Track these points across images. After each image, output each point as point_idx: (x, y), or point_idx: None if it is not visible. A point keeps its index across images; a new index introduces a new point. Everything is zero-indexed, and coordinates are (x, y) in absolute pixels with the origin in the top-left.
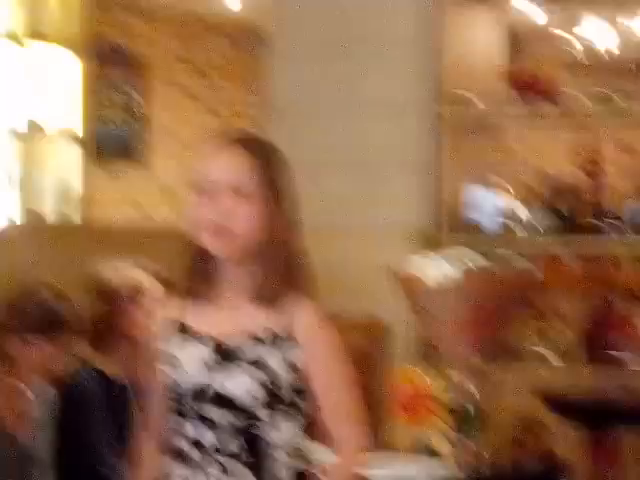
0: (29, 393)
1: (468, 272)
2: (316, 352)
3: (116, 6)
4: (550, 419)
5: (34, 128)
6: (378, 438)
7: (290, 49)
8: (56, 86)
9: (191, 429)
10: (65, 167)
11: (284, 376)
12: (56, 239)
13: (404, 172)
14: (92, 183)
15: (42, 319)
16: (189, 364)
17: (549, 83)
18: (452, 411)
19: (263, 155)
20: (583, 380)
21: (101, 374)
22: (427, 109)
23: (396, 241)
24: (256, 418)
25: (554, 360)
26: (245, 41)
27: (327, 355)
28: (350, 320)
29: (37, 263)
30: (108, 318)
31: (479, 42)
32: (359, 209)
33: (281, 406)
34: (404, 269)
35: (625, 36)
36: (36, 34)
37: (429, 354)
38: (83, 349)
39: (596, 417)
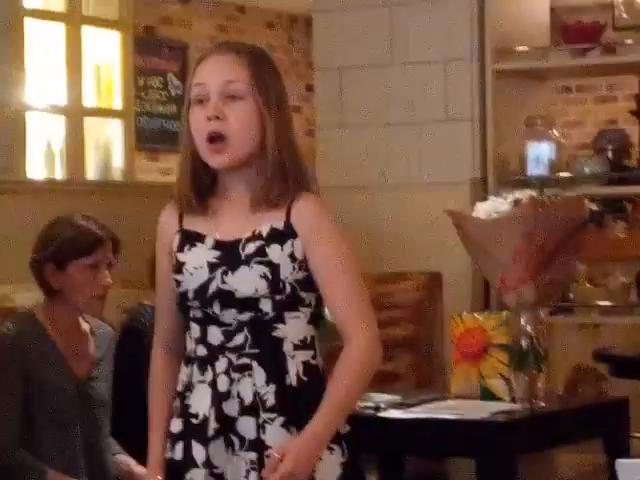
0: (88, 331)
1: (517, 201)
2: (316, 241)
3: None
4: (604, 369)
5: (76, 104)
6: (442, 387)
7: (330, 17)
8: (96, 67)
9: (197, 328)
10: (106, 146)
11: (285, 268)
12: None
13: (454, 126)
14: (131, 164)
15: (74, 240)
16: (193, 266)
17: (595, 30)
18: (510, 351)
19: (252, 57)
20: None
21: None
22: (477, 62)
23: (450, 196)
24: (259, 311)
25: (607, 307)
26: (280, 21)
27: (327, 244)
28: (407, 274)
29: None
30: None
31: (526, 1)
32: (410, 164)
33: (284, 298)
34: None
35: None
36: (76, 15)
37: (486, 297)
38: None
39: None
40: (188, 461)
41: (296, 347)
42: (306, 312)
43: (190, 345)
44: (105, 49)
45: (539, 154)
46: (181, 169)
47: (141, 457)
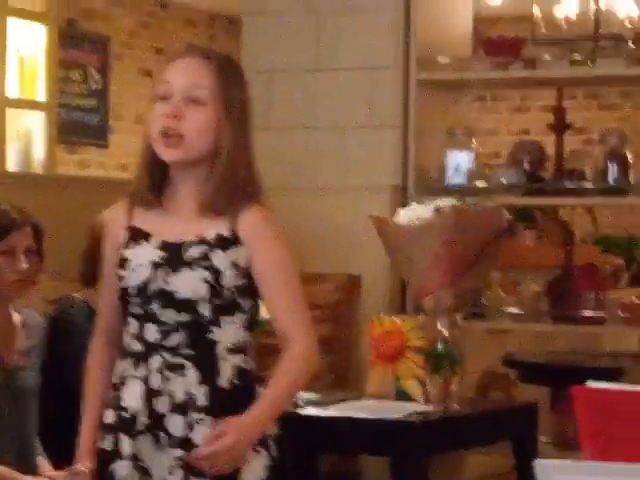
0: (19, 322)
1: (438, 209)
2: (260, 250)
3: None
4: (512, 374)
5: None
6: (358, 387)
7: (258, 13)
8: (20, 58)
9: (135, 325)
10: (27, 137)
11: (228, 275)
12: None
13: (378, 133)
14: (52, 156)
15: None
16: (136, 263)
17: (516, 44)
18: (426, 354)
19: (220, 65)
20: (545, 337)
21: (87, 306)
22: (400, 72)
23: (371, 201)
24: (198, 314)
25: (518, 315)
26: (201, 19)
27: (272, 254)
28: (327, 276)
29: None
30: (94, 258)
31: (449, 13)
32: (333, 169)
33: (223, 303)
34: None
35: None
36: (1, 6)
37: (404, 301)
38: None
39: (556, 377)
40: (115, 453)
41: (230, 351)
42: (242, 318)
43: (126, 339)
44: (30, 41)
45: (458, 163)
46: (139, 163)
47: (62, 449)
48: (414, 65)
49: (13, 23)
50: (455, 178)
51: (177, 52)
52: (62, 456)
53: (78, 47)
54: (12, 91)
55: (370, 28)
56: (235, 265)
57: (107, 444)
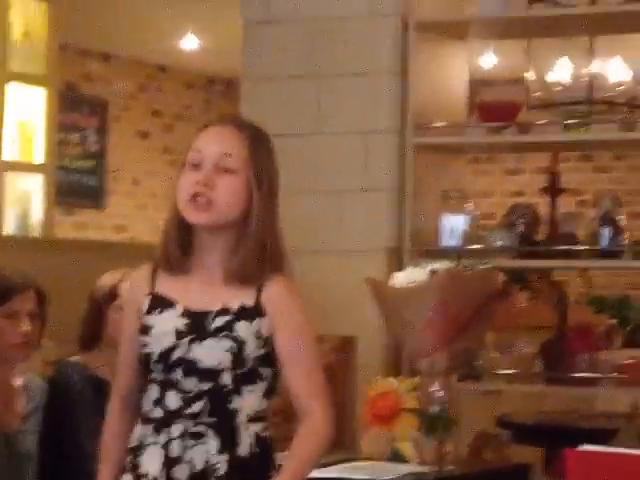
0: (18, 385)
1: (433, 272)
2: (283, 322)
3: (73, 47)
4: (506, 435)
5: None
6: (353, 448)
7: (257, 78)
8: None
9: (156, 391)
10: (25, 200)
11: (250, 345)
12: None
13: (373, 196)
14: (51, 219)
15: None
16: (160, 330)
17: (512, 109)
18: (419, 415)
19: (252, 135)
20: (539, 398)
21: (86, 370)
22: (397, 137)
23: (367, 263)
24: (220, 383)
25: (512, 376)
26: (199, 82)
27: (294, 326)
28: (323, 337)
29: None
30: (93, 322)
31: (445, 76)
32: (332, 233)
33: (245, 372)
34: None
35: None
36: (2, 71)
37: (398, 362)
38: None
39: (549, 438)
40: None
41: (250, 419)
42: (262, 386)
43: (147, 405)
44: (29, 104)
45: (453, 226)
46: (167, 228)
47: None
48: (410, 129)
49: (13, 87)
50: (450, 240)
51: (209, 121)
52: None
53: (77, 110)
54: (11, 154)
55: (367, 92)
56: (258, 335)
57: None
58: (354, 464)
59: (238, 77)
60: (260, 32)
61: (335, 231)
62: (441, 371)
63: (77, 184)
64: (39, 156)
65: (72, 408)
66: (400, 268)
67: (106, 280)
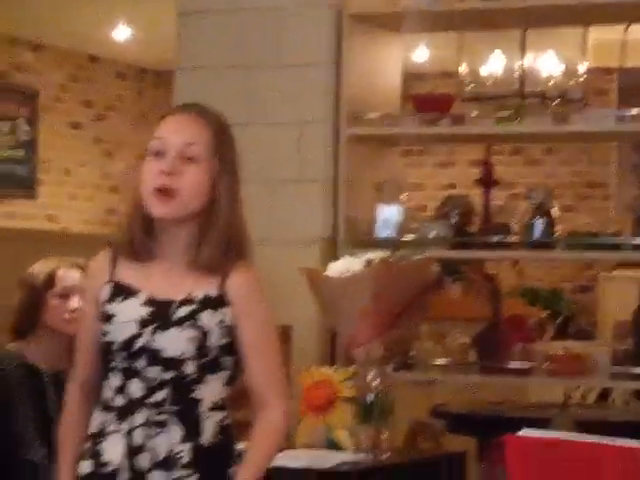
0: None
1: (369, 262)
2: (245, 311)
3: (3, 36)
4: (441, 425)
5: None
6: (289, 437)
7: (192, 68)
8: None
9: (118, 379)
10: None
11: (214, 334)
12: None
13: (307, 187)
14: None
15: None
16: (122, 319)
17: (445, 101)
18: (355, 404)
19: (214, 124)
20: (473, 388)
21: (23, 360)
22: (331, 128)
23: (302, 253)
24: (183, 372)
25: (446, 366)
26: (130, 73)
27: (257, 318)
28: None
29: None
30: (30, 309)
31: (379, 68)
32: (266, 223)
33: (208, 361)
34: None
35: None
36: None
37: (334, 352)
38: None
39: (483, 427)
40: None
41: (212, 408)
42: (224, 374)
43: (107, 393)
44: None
45: (388, 217)
46: (130, 215)
47: None
48: (344, 120)
49: None
50: (384, 231)
51: (171, 109)
52: None
53: (7, 99)
54: None
55: (301, 83)
56: (222, 324)
57: None
58: (290, 452)
59: (170, 67)
60: (195, 22)
61: (270, 221)
62: (376, 360)
63: (8, 174)
64: None
65: (9, 397)
66: (335, 258)
67: (40, 268)
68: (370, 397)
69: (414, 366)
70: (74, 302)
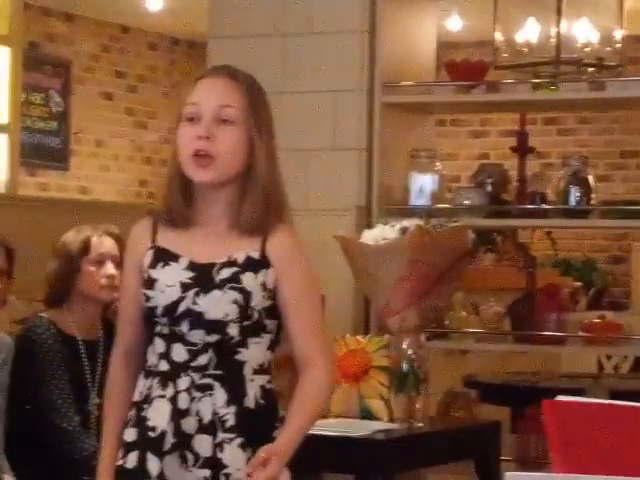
0: None
1: (404, 230)
2: (286, 272)
3: (36, 7)
4: (474, 394)
5: None
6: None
7: (224, 38)
8: None
9: (162, 344)
10: None
11: (256, 296)
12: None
13: (342, 155)
14: (15, 178)
15: None
16: (165, 283)
17: (480, 68)
18: (389, 373)
19: (248, 85)
20: (506, 357)
21: (58, 328)
22: (365, 95)
23: (336, 222)
24: (226, 334)
25: (480, 335)
26: (163, 43)
27: (298, 278)
28: None
29: None
30: (66, 277)
31: (413, 37)
32: (300, 192)
33: (251, 324)
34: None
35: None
36: None
37: (367, 320)
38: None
39: (516, 397)
40: (141, 471)
41: (255, 371)
42: (267, 338)
43: (152, 359)
44: None
45: (422, 185)
46: (168, 182)
47: (24, 469)
48: (379, 88)
49: None
50: (419, 199)
51: (203, 72)
52: (26, 473)
53: (40, 70)
54: None
55: (335, 51)
56: (264, 287)
57: (130, 462)
58: (323, 420)
59: (203, 38)
60: None
61: (304, 190)
62: (410, 329)
63: (40, 145)
64: (3, 116)
65: (41, 364)
66: (369, 227)
67: (74, 236)
68: (404, 366)
69: (448, 335)
70: (109, 268)
